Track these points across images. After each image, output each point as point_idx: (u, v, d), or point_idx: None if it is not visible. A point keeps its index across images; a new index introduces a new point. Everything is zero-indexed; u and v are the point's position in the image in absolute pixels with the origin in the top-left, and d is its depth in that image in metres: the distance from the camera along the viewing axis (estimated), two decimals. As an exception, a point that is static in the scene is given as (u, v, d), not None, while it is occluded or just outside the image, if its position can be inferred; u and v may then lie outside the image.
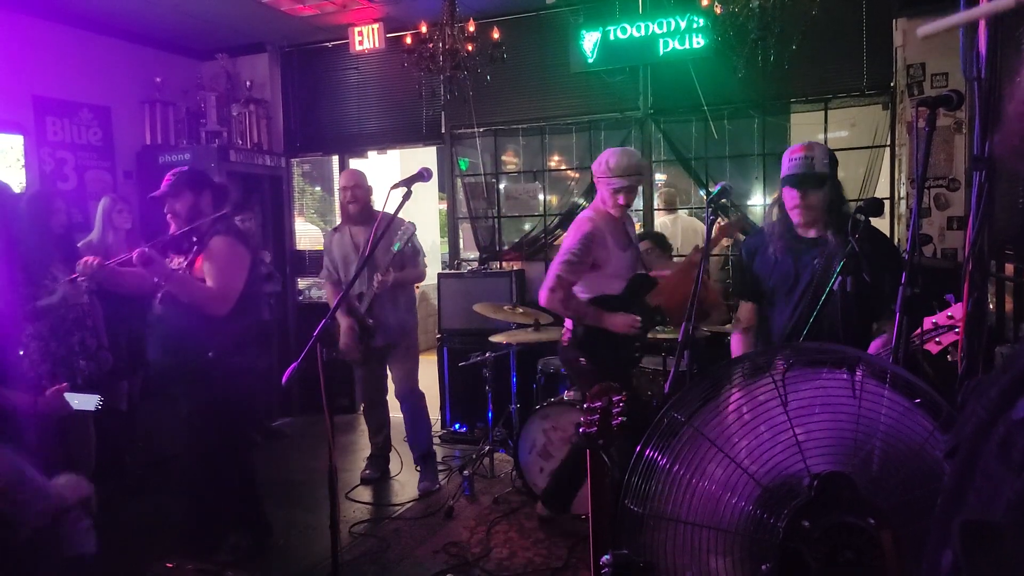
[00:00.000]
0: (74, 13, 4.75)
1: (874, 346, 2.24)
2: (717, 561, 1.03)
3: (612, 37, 4.56)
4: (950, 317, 1.80)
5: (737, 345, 2.65)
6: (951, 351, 1.83)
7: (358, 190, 3.81)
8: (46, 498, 1.36)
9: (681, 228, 5.19)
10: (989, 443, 0.46)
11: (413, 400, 3.92)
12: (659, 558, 1.06)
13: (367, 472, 4.05)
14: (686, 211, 5.51)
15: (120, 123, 5.15)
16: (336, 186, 6.09)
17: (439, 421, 4.76)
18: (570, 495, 3.22)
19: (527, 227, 5.41)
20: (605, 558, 1.10)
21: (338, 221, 6.16)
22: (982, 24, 1.91)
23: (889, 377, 1.10)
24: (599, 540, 1.54)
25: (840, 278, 1.88)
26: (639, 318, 2.82)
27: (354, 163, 5.96)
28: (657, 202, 5.23)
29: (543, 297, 2.85)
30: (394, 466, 4.12)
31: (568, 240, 2.90)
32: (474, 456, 4.14)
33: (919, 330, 1.77)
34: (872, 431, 1.06)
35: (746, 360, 1.20)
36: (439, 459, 4.24)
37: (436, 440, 4.42)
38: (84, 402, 2.07)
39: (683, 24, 4.35)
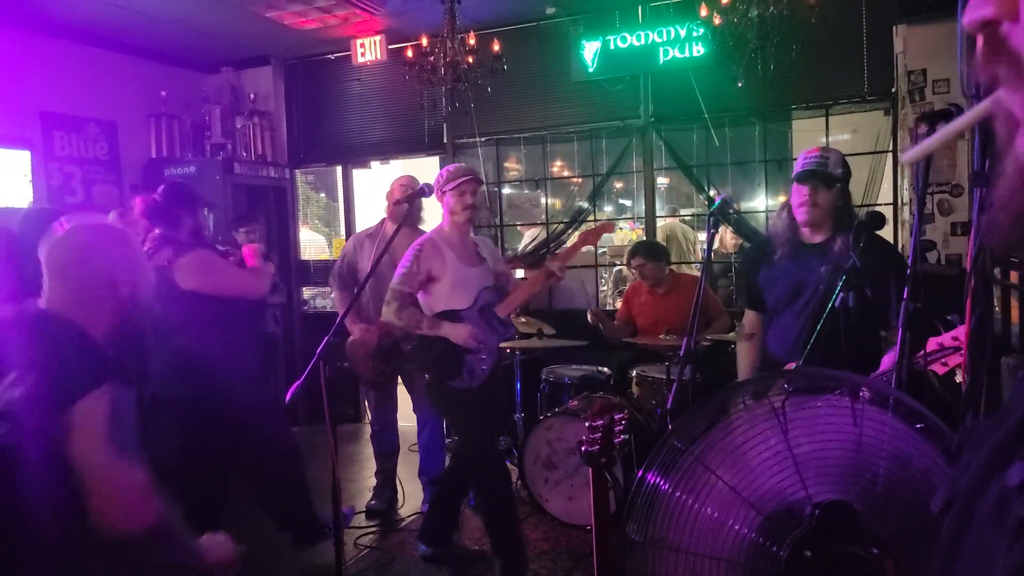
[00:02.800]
0: (81, 30, 4.79)
1: (887, 360, 2.23)
2: (719, 589, 1.04)
3: (612, 46, 4.57)
4: (955, 339, 1.79)
5: (743, 354, 2.66)
6: (958, 372, 1.82)
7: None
8: (188, 556, 1.27)
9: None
10: (984, 502, 0.46)
11: (436, 421, 3.74)
12: (661, 588, 1.07)
13: (373, 503, 3.80)
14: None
15: (126, 137, 5.19)
16: (341, 192, 6.14)
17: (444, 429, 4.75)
18: (449, 528, 3.09)
19: (531, 235, 5.42)
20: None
21: (342, 229, 6.22)
22: (980, 42, 1.91)
23: (892, 403, 1.10)
24: (603, 557, 1.54)
25: (842, 295, 1.88)
26: (479, 331, 2.74)
27: (357, 174, 5.99)
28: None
29: (383, 312, 2.78)
30: (400, 495, 3.87)
31: (403, 257, 2.85)
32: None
33: (923, 351, 1.77)
34: (874, 458, 1.06)
35: (747, 386, 1.20)
36: (445, 468, 4.22)
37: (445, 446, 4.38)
38: None
39: (683, 33, 4.36)
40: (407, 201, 2.69)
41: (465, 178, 2.76)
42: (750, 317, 2.64)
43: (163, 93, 5.27)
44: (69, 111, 4.85)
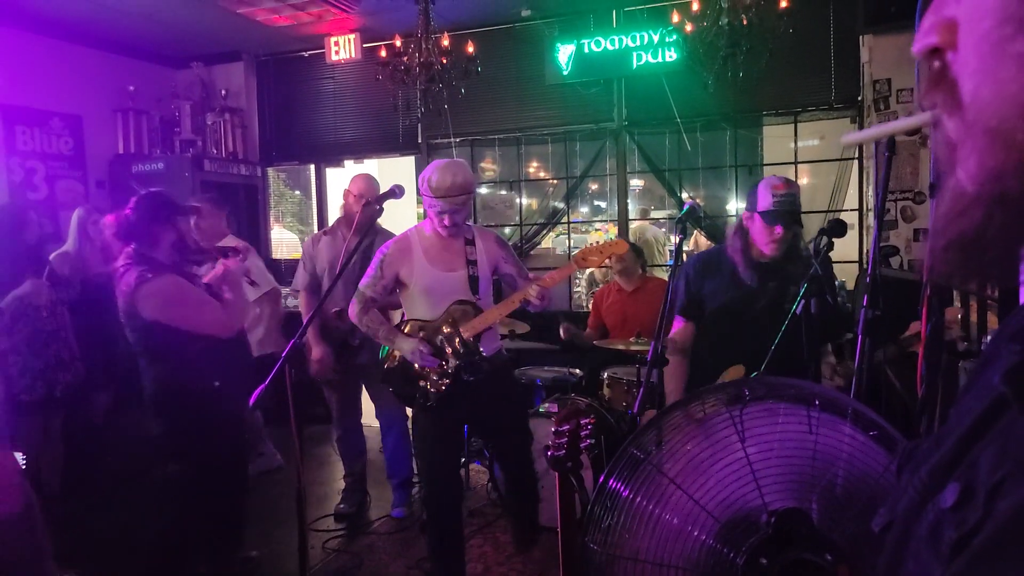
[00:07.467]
0: (44, 22, 4.67)
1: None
2: (678, 596, 1.05)
3: (587, 50, 4.60)
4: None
5: (673, 371, 2.42)
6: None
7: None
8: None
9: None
10: (920, 525, 0.47)
11: (401, 424, 3.67)
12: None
13: (342, 507, 3.71)
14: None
15: (92, 132, 5.08)
16: (314, 190, 6.07)
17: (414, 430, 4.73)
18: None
19: (506, 232, 5.43)
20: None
21: (316, 228, 6.14)
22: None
23: (850, 412, 1.13)
24: (569, 561, 1.55)
25: (803, 301, 1.91)
26: (428, 348, 2.42)
27: (331, 172, 5.93)
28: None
29: (350, 311, 2.56)
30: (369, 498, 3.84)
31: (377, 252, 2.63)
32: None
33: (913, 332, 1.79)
34: (829, 465, 1.08)
35: (707, 394, 1.22)
36: (415, 469, 4.20)
37: (412, 450, 4.35)
38: None
39: (656, 38, 4.40)
40: (378, 203, 2.66)
41: (440, 205, 2.40)
42: (683, 329, 2.49)
43: (131, 87, 5.16)
44: (32, 104, 4.72)
